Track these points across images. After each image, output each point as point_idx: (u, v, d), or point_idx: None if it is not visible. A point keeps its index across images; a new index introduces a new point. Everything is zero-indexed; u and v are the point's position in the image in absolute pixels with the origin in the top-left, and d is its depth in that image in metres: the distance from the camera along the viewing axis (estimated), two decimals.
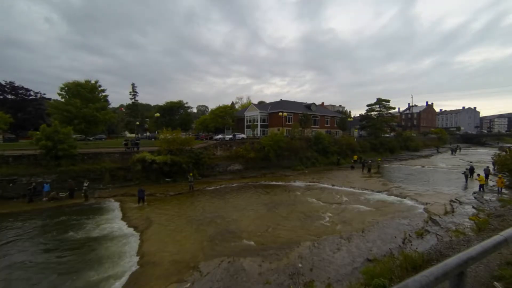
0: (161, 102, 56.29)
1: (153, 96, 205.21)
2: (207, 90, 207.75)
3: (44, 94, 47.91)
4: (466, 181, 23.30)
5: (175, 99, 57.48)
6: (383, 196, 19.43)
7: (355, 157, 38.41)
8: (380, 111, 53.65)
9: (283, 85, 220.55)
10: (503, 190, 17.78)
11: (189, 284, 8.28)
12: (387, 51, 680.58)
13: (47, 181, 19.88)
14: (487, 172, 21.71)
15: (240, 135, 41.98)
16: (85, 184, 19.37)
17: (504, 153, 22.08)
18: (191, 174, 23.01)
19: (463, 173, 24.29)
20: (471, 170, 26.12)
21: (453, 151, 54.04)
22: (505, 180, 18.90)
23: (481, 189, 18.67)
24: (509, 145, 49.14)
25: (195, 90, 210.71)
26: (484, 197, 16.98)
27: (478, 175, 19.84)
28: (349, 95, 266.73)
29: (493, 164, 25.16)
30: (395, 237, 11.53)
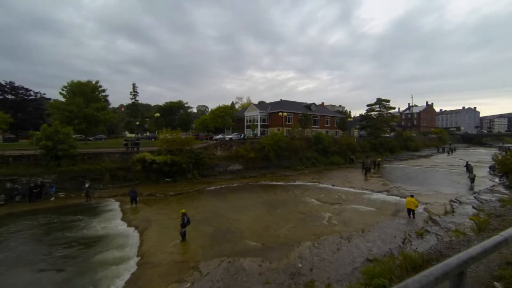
0: (185, 99, 55.59)
1: (178, 93, 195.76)
2: (237, 87, 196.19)
3: (44, 94, 47.98)
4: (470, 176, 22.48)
5: (199, 95, 57.18)
6: (383, 196, 19.42)
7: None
8: (380, 111, 53.68)
9: (326, 81, 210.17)
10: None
11: (189, 284, 8.27)
12: (483, 37, 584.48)
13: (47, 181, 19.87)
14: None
15: (238, 135, 42.05)
16: (87, 185, 19.24)
17: (504, 153, 22.06)
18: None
19: (465, 166, 24.22)
20: (470, 169, 26.03)
21: (448, 151, 54.25)
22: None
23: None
24: (509, 145, 49.18)
25: (225, 86, 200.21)
26: (484, 197, 16.99)
27: None
28: (397, 92, 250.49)
29: (491, 168, 24.67)
30: (395, 237, 11.52)
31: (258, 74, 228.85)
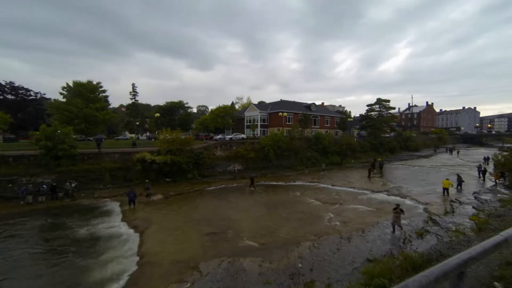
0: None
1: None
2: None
3: (44, 94, 48.04)
4: (479, 176, 24.19)
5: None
6: (383, 196, 19.41)
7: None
8: (380, 111, 53.63)
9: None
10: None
11: (189, 284, 8.27)
12: None
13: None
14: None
15: (239, 135, 41.97)
16: (72, 185, 19.56)
17: (504, 153, 22.04)
18: (147, 180, 20.56)
19: (477, 167, 25.42)
20: (484, 172, 25.82)
21: (451, 150, 54.34)
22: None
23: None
24: (509, 145, 49.12)
25: None
26: (484, 197, 16.99)
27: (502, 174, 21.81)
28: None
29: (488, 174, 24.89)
30: (395, 237, 11.54)
31: None
